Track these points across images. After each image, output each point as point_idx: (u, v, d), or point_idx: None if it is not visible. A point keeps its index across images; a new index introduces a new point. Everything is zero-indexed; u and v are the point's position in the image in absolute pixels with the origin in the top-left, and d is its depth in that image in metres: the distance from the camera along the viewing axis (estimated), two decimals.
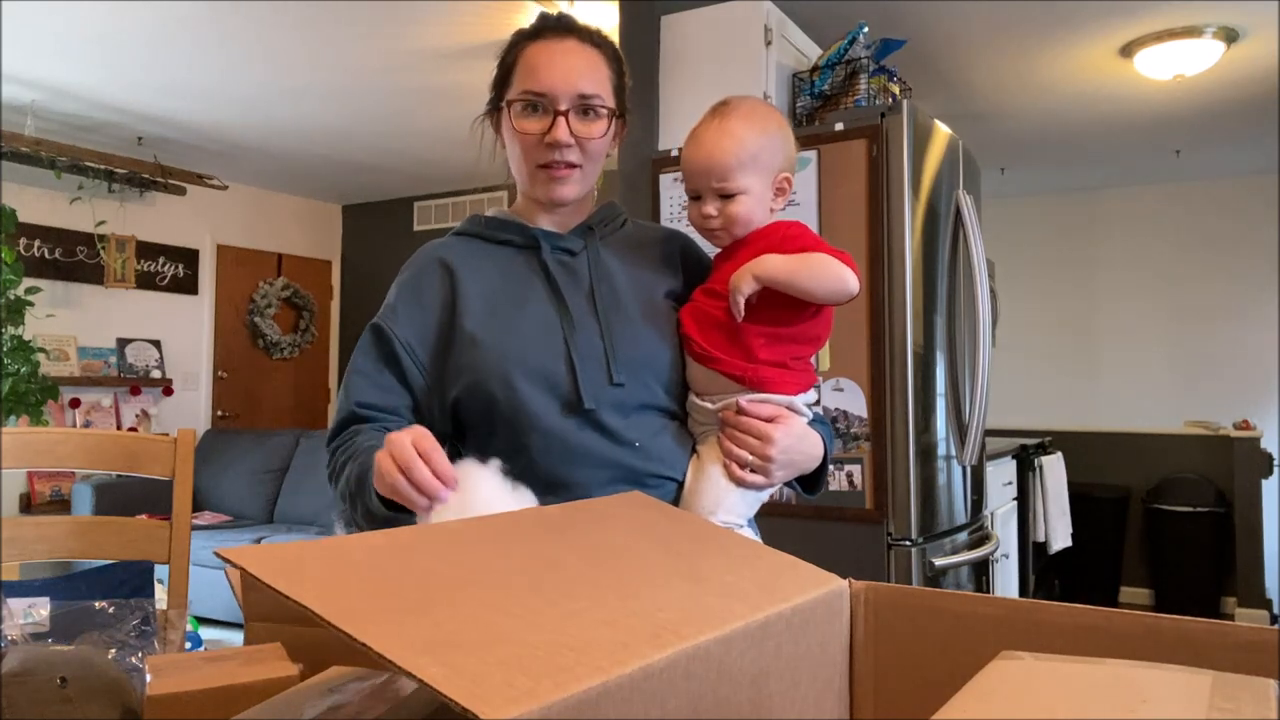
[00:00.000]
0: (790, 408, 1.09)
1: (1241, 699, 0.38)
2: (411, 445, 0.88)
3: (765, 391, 1.08)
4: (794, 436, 1.08)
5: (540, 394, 1.06)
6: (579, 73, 1.09)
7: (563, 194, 1.12)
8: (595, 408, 1.06)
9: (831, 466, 1.22)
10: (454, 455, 1.15)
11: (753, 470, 1.06)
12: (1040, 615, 0.57)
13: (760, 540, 1.11)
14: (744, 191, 1.09)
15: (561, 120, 1.07)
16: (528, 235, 1.14)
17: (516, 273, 1.13)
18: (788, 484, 1.15)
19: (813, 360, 1.15)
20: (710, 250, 1.22)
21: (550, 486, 1.04)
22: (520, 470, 1.05)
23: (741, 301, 1.03)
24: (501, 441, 1.07)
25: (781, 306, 1.06)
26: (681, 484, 1.10)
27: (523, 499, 0.92)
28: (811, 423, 1.13)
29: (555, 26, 1.12)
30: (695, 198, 1.13)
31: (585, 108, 1.09)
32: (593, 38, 1.13)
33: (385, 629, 0.44)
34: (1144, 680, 0.41)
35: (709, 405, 1.10)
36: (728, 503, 1.07)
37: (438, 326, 1.11)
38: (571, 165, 1.10)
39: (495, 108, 1.16)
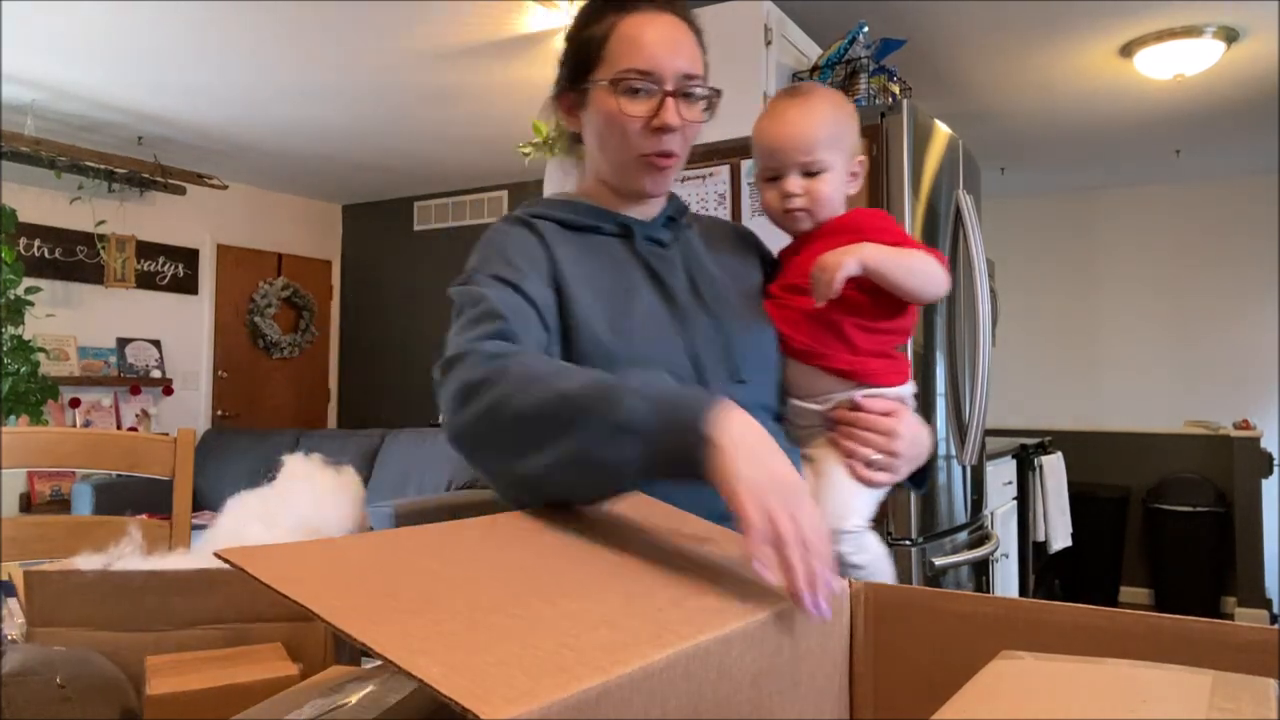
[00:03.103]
0: (899, 400, 1.04)
1: (1242, 699, 0.39)
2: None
3: (874, 384, 1.02)
4: (914, 428, 1.02)
5: None
6: (684, 50, 0.98)
7: (663, 187, 1.03)
8: None
9: None
10: None
11: (879, 468, 1.00)
12: (1040, 615, 0.57)
13: (882, 545, 1.04)
14: (829, 169, 1.05)
15: (670, 102, 0.97)
16: (619, 223, 1.04)
17: (614, 261, 1.02)
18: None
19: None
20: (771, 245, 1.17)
21: (672, 497, 0.83)
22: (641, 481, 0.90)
23: (842, 279, 0.95)
24: None
25: (871, 299, 1.01)
26: None
27: (348, 484, 0.88)
28: None
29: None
30: (773, 178, 1.07)
31: (688, 89, 0.99)
32: (684, 13, 1.02)
33: (385, 629, 0.44)
34: (1144, 680, 0.42)
35: (815, 407, 1.04)
36: (856, 506, 1.00)
37: (552, 296, 0.96)
38: (673, 155, 1.01)
39: (573, 88, 1.03)
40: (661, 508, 0.77)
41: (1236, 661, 0.48)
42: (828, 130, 1.05)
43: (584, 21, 1.02)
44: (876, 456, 0.99)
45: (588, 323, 0.95)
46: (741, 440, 0.66)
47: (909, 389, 1.07)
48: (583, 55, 1.01)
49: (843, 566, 0.99)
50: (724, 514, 0.72)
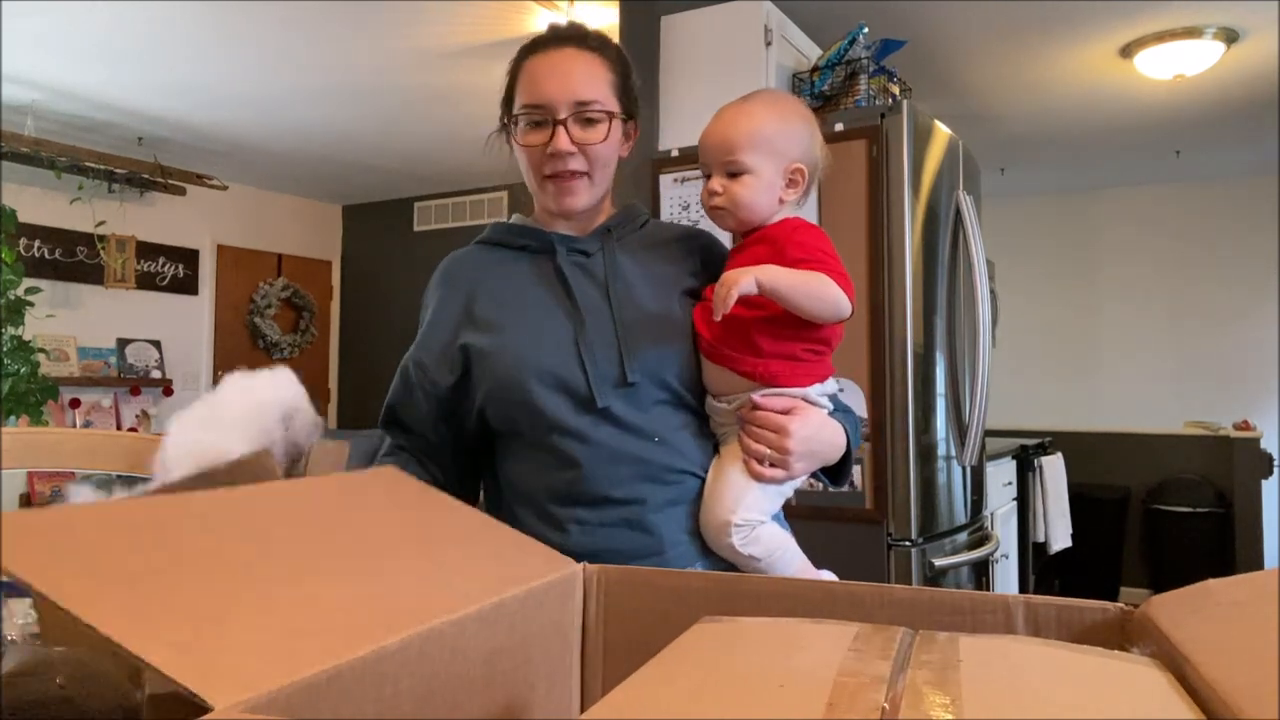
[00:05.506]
0: (805, 399, 1.07)
1: (875, 640, 0.50)
2: None
3: (777, 385, 1.06)
4: (812, 427, 1.06)
5: (553, 395, 1.06)
6: (575, 80, 1.10)
7: (572, 204, 1.13)
8: (608, 406, 1.06)
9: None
10: (486, 470, 1.19)
11: (771, 464, 1.05)
12: (740, 586, 0.69)
13: (791, 537, 1.09)
14: (750, 172, 1.07)
15: (561, 130, 1.09)
16: (544, 240, 1.15)
17: (530, 278, 1.14)
18: (813, 476, 1.13)
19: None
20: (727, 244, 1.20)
21: (574, 483, 1.06)
22: (548, 468, 1.09)
23: (734, 297, 0.98)
24: (527, 442, 1.10)
25: (781, 309, 1.04)
26: (704, 481, 1.09)
27: (281, 377, 0.89)
28: (833, 413, 1.11)
29: (552, 38, 1.14)
30: (706, 176, 1.11)
31: (584, 115, 1.10)
32: (589, 42, 1.14)
33: (117, 609, 0.45)
34: (804, 631, 0.53)
35: (725, 405, 1.09)
36: (747, 500, 1.05)
37: (456, 340, 1.14)
38: (577, 174, 1.11)
39: (503, 125, 1.18)
40: (417, 486, 0.82)
41: (893, 615, 0.61)
42: (755, 134, 1.07)
43: (509, 67, 1.16)
44: (767, 452, 1.04)
45: (484, 344, 1.10)
46: None
47: (818, 390, 1.09)
48: (505, 96, 1.17)
49: (738, 558, 1.05)
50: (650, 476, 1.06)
